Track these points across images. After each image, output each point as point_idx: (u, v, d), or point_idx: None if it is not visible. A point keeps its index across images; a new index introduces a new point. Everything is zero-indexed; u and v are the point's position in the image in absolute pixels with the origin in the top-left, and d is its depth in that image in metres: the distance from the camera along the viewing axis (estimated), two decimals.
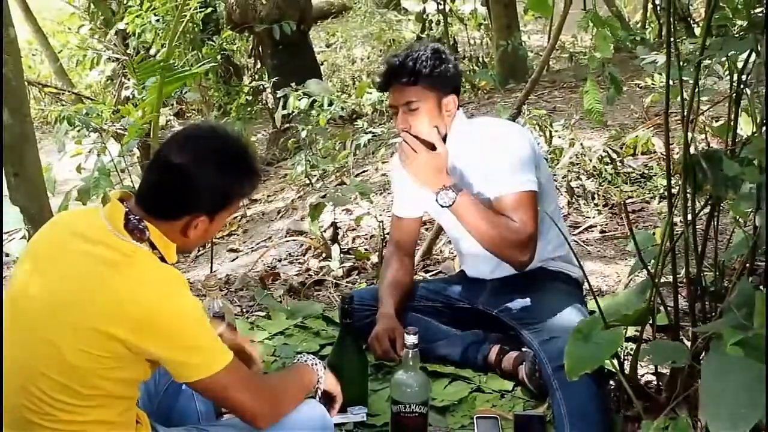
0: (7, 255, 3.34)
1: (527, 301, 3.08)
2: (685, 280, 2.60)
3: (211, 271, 4.99)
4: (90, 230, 2.05)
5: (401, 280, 3.34)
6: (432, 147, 3.00)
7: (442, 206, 2.95)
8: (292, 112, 6.41)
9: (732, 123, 2.55)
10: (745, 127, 2.88)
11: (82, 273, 1.98)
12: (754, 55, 2.32)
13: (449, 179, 2.97)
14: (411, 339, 2.59)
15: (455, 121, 3.10)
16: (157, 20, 7.91)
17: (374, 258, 4.65)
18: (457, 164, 3.07)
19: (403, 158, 3.04)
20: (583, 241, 4.68)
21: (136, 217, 2.08)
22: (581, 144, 5.83)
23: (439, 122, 3.04)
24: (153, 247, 2.08)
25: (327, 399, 2.56)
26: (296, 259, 5.05)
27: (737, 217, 2.62)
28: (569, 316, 2.85)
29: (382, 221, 4.87)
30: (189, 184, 2.10)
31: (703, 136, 4.57)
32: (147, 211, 2.11)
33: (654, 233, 2.79)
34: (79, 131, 5.09)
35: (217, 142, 2.19)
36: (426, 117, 3.02)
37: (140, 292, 1.96)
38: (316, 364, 2.51)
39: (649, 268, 2.39)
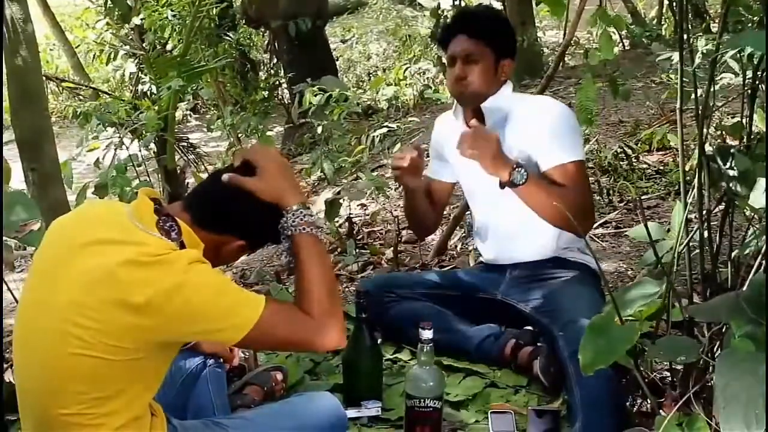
0: (25, 248, 3.36)
1: (546, 290, 3.09)
2: (700, 277, 2.60)
3: (227, 265, 5.01)
4: (117, 231, 2.02)
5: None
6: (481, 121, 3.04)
7: (515, 185, 2.89)
8: (309, 107, 6.42)
9: (747, 119, 2.55)
10: (760, 124, 2.88)
11: (107, 273, 1.94)
12: None
13: (511, 160, 2.93)
14: (426, 334, 2.60)
15: (505, 87, 3.14)
16: (174, 16, 7.91)
17: (389, 253, 4.66)
18: (507, 131, 3.07)
19: (473, 147, 2.92)
20: (599, 237, 4.68)
21: (167, 216, 2.08)
22: (596, 140, 5.83)
23: (493, 82, 3.08)
24: (182, 246, 2.06)
25: None
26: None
27: (746, 212, 2.61)
28: (588, 305, 2.85)
29: (397, 216, 4.88)
30: (248, 212, 2.16)
31: (719, 132, 4.56)
32: (191, 214, 2.13)
33: (668, 229, 2.79)
34: (96, 126, 5.12)
35: None
36: (483, 73, 3.07)
37: (174, 285, 1.94)
38: (305, 224, 2.22)
39: (662, 262, 2.39)
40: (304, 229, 2.20)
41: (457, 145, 2.96)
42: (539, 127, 3.01)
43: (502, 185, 2.91)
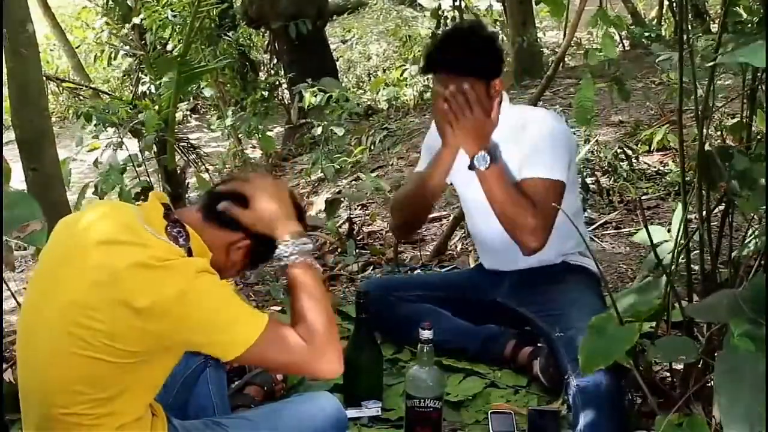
0: (25, 248, 3.36)
1: (546, 294, 3.07)
2: (700, 277, 2.60)
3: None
4: (125, 232, 2.02)
5: None
6: (487, 113, 2.93)
7: (475, 167, 2.89)
8: (308, 107, 6.43)
9: (746, 120, 2.55)
10: (760, 124, 2.88)
11: (113, 274, 1.95)
12: None
13: (489, 145, 2.92)
14: (426, 334, 2.61)
15: (503, 101, 3.02)
16: (174, 16, 7.92)
17: (389, 253, 4.67)
18: (498, 143, 3.00)
19: (456, 111, 2.88)
20: (598, 237, 4.68)
21: (176, 222, 2.09)
22: (596, 140, 5.83)
23: (487, 105, 2.94)
24: (190, 253, 2.07)
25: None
26: (312, 254, 5.06)
27: (746, 213, 2.62)
28: (588, 309, 2.82)
29: None
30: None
31: (718, 132, 4.56)
32: (203, 212, 2.17)
33: (669, 229, 2.79)
34: (96, 126, 5.12)
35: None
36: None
37: (179, 292, 1.94)
38: (298, 254, 2.23)
39: (663, 263, 2.39)
40: (297, 259, 2.20)
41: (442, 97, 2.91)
42: (527, 138, 2.97)
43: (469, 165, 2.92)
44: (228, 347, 2.02)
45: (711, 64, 2.22)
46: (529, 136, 2.97)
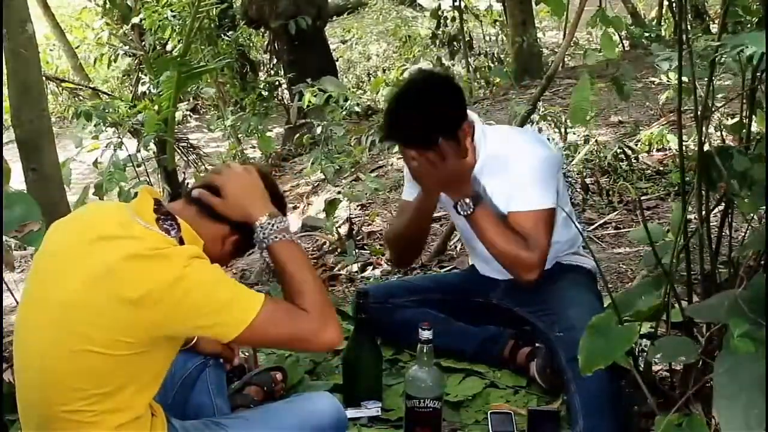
0: (25, 248, 3.36)
1: (542, 294, 3.06)
2: (699, 277, 2.60)
3: (227, 265, 5.01)
4: (117, 227, 2.04)
5: None
6: (462, 157, 2.84)
7: (460, 214, 2.89)
8: (308, 107, 6.43)
9: (746, 120, 2.55)
10: (759, 124, 2.88)
11: (109, 269, 1.96)
12: None
13: (471, 189, 2.88)
14: (425, 334, 2.61)
15: (474, 133, 2.93)
16: (174, 16, 7.93)
17: (389, 253, 4.67)
18: (479, 175, 2.95)
19: (427, 165, 2.80)
20: (598, 238, 4.68)
21: (166, 214, 2.10)
22: (596, 140, 5.84)
23: (458, 152, 2.83)
24: (182, 243, 2.08)
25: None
26: (311, 255, 5.07)
27: (745, 213, 2.62)
28: (585, 307, 2.81)
29: None
30: None
31: (718, 132, 4.57)
32: (197, 206, 2.18)
33: (668, 229, 2.79)
34: (96, 126, 5.13)
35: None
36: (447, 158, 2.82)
37: (173, 279, 1.96)
38: (275, 233, 2.21)
39: (662, 263, 2.39)
40: (276, 237, 2.20)
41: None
42: (511, 172, 2.90)
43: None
44: (227, 328, 2.03)
45: (717, 44, 2.21)
46: (514, 169, 2.90)
